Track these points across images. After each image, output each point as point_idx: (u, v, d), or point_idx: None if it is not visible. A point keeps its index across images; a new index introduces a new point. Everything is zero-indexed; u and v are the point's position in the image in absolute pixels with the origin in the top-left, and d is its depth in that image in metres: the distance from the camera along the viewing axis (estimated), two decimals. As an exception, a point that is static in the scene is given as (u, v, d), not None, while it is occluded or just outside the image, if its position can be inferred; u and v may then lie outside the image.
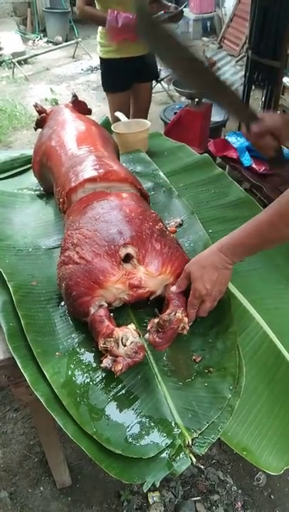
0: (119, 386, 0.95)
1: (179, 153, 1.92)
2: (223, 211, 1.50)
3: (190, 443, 0.86)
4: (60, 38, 6.99)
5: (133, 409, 0.91)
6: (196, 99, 2.65)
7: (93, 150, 1.38)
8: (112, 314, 1.01)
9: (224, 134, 3.46)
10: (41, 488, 1.59)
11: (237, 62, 5.87)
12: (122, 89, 2.72)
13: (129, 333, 0.93)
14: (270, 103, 3.28)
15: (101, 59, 2.69)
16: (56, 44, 6.85)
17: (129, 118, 2.34)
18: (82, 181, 1.22)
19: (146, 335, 0.96)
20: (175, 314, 0.96)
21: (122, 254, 1.02)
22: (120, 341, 0.92)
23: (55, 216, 1.47)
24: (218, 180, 1.66)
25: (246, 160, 2.42)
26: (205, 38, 7.30)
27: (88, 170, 1.25)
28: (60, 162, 1.38)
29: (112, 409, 0.91)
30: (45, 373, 0.93)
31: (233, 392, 0.93)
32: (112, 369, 0.90)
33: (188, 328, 1.00)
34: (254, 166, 2.39)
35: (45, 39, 7.23)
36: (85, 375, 0.96)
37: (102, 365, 0.92)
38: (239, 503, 1.57)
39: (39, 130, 1.71)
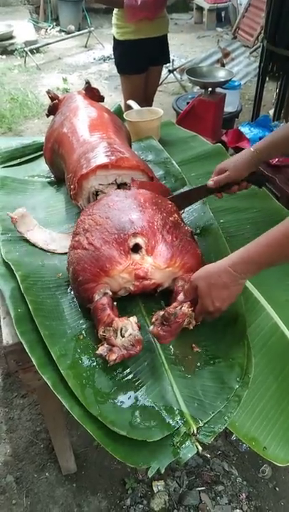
0: (125, 372, 0.95)
1: (191, 142, 1.90)
2: (235, 201, 1.48)
3: (195, 431, 0.86)
4: (72, 27, 6.94)
5: (138, 395, 0.91)
6: (210, 89, 2.62)
7: (105, 137, 1.37)
8: (115, 303, 1.00)
9: (237, 125, 3.43)
10: (47, 474, 1.60)
11: (251, 53, 5.80)
12: (138, 72, 2.74)
13: (129, 325, 0.93)
14: (284, 95, 3.23)
15: (117, 41, 2.70)
16: (69, 33, 6.80)
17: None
18: (93, 168, 1.21)
19: (151, 327, 0.95)
20: (181, 308, 0.94)
21: (130, 243, 1.01)
22: (119, 332, 0.92)
23: (66, 203, 1.46)
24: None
25: (259, 151, 2.38)
26: (219, 29, 7.22)
27: (100, 156, 1.24)
28: (71, 149, 1.37)
29: (117, 394, 0.91)
30: (52, 355, 0.94)
31: (241, 382, 0.92)
32: (107, 357, 0.90)
33: (194, 323, 0.99)
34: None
35: (58, 28, 7.17)
36: (92, 359, 0.96)
37: (97, 352, 0.92)
38: (244, 494, 1.57)
39: (50, 119, 1.70)
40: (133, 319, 0.95)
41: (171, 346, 1.00)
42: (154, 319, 0.95)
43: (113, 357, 0.90)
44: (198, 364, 0.97)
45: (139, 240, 1.02)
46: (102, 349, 0.92)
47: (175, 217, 1.09)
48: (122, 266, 1.00)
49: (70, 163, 1.34)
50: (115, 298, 1.04)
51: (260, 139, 2.45)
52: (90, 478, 1.59)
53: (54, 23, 7.26)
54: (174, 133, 2.02)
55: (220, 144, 1.82)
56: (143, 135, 1.87)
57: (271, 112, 4.32)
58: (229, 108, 3.04)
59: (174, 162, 1.67)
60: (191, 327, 0.99)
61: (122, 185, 1.28)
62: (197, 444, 0.85)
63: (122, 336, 0.92)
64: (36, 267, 1.18)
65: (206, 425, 0.87)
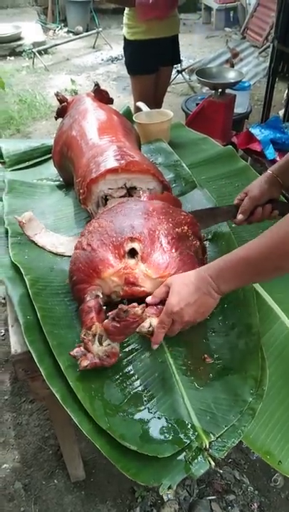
0: (135, 383, 0.92)
1: (202, 145, 1.87)
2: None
3: (207, 446, 0.83)
4: (80, 28, 6.94)
5: (149, 407, 0.89)
6: (220, 90, 2.58)
7: (115, 140, 1.35)
8: (104, 308, 0.98)
9: (246, 127, 3.39)
10: (55, 481, 1.58)
11: (260, 53, 5.75)
12: (149, 72, 2.72)
13: None
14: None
15: (128, 41, 2.69)
16: (77, 34, 6.80)
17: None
18: (103, 172, 1.19)
19: (106, 320, 0.90)
20: (134, 309, 0.87)
21: (126, 247, 0.99)
22: (97, 338, 0.90)
23: (75, 208, 1.44)
24: (242, 173, 1.61)
25: (270, 153, 2.36)
26: (228, 29, 7.17)
27: (110, 160, 1.22)
28: (80, 152, 1.35)
29: (127, 407, 0.88)
30: (60, 365, 0.91)
31: (255, 395, 0.89)
32: (78, 362, 0.88)
33: (158, 341, 0.93)
34: (278, 159, 2.32)
35: (66, 29, 7.18)
36: (101, 369, 0.93)
37: (70, 353, 0.89)
38: (255, 504, 1.54)
39: (59, 120, 1.68)
40: None
41: (182, 356, 0.98)
42: (110, 313, 0.89)
43: (84, 363, 0.87)
44: (211, 375, 0.94)
45: (136, 246, 0.99)
46: (76, 351, 0.89)
47: (184, 229, 1.05)
48: (114, 269, 0.98)
49: (79, 166, 1.32)
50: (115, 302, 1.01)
51: (271, 140, 2.43)
52: (99, 486, 1.57)
53: (62, 24, 7.27)
54: (184, 135, 1.99)
55: (231, 147, 1.79)
56: (153, 137, 1.85)
57: (281, 112, 4.27)
58: (239, 109, 3.00)
59: (184, 165, 1.64)
60: (152, 340, 0.92)
61: (131, 190, 1.26)
62: (210, 459, 0.82)
63: (101, 344, 0.89)
64: (46, 271, 1.17)
65: (218, 439, 0.84)
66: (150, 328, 0.92)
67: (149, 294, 0.99)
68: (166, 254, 0.99)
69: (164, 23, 2.56)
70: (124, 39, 2.73)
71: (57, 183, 1.64)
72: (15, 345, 1.01)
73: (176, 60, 2.94)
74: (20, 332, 0.99)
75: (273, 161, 2.35)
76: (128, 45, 2.71)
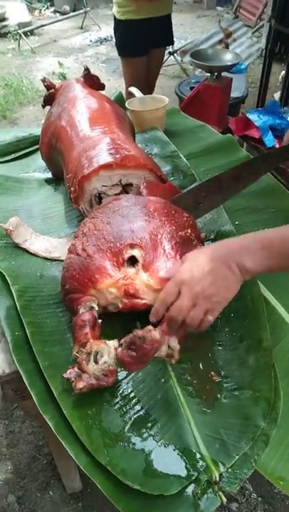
0: (136, 407, 0.83)
1: (200, 133, 1.75)
2: (250, 200, 1.35)
3: (217, 479, 0.75)
4: (67, 8, 6.68)
5: (152, 435, 0.80)
6: (216, 73, 2.45)
7: (108, 131, 1.23)
8: (100, 321, 0.88)
9: (242, 111, 3.27)
10: (50, 493, 1.51)
11: (253, 33, 5.57)
12: (140, 54, 2.60)
13: (105, 350, 0.80)
14: (292, 78, 3.06)
15: (118, 21, 2.55)
16: (64, 14, 6.55)
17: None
18: (96, 168, 1.08)
19: (119, 349, 0.80)
20: (150, 332, 0.77)
21: (126, 255, 0.89)
22: (93, 356, 0.79)
23: (66, 205, 1.33)
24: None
25: (269, 140, 2.24)
26: (219, 8, 6.96)
27: (103, 155, 1.11)
28: (71, 144, 1.24)
29: (128, 435, 0.79)
30: (53, 390, 0.82)
31: (269, 419, 0.81)
32: (73, 385, 0.78)
33: (177, 357, 0.82)
34: (278, 146, 2.21)
35: (52, 9, 6.91)
36: (98, 393, 0.83)
37: (63, 375, 0.79)
38: (259, 511, 1.48)
39: (47, 107, 1.56)
40: (113, 344, 0.81)
41: (186, 374, 0.89)
42: (122, 340, 0.79)
43: (80, 385, 0.78)
44: (218, 396, 0.85)
45: (136, 253, 0.89)
46: (70, 372, 0.80)
47: (187, 232, 0.95)
48: (112, 279, 0.87)
49: (70, 161, 1.20)
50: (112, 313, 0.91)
51: (270, 127, 2.31)
52: (97, 497, 1.50)
53: (48, 4, 6.99)
54: (180, 122, 1.87)
55: (230, 135, 1.68)
56: (147, 125, 1.73)
57: (276, 95, 4.14)
58: (235, 93, 2.87)
59: (181, 156, 1.53)
60: (173, 361, 0.82)
61: (127, 186, 1.15)
62: (220, 494, 0.74)
63: (96, 362, 0.80)
64: (34, 279, 1.06)
65: (229, 470, 0.76)
66: (170, 351, 0.81)
67: (151, 306, 0.90)
68: (169, 262, 0.89)
69: (156, 2, 2.41)
70: (115, 19, 2.59)
71: (46, 176, 1.52)
72: (2, 365, 0.92)
73: (168, 42, 2.81)
74: (8, 349, 0.90)
75: (272, 149, 2.24)
76: (118, 25, 2.57)
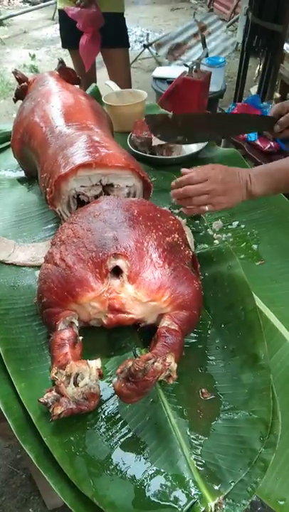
0: (123, 430, 0.76)
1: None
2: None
3: (213, 509, 0.69)
4: (38, -2, 6.50)
5: (141, 461, 0.73)
6: (194, 67, 2.38)
7: (85, 127, 1.15)
8: (81, 338, 0.81)
9: (220, 106, 3.23)
10: (30, 510, 1.43)
11: (228, 26, 5.53)
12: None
13: (86, 372, 0.73)
14: (268, 72, 3.03)
15: (59, 11, 2.42)
16: (34, 4, 6.36)
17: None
18: (74, 168, 1.00)
19: (114, 379, 0.73)
20: (154, 363, 0.71)
21: (109, 265, 0.81)
22: (72, 378, 0.72)
23: (40, 206, 1.25)
24: (228, 160, 1.45)
25: (250, 135, 2.20)
26: (193, 1, 6.89)
27: (81, 153, 1.02)
28: (45, 142, 1.15)
29: (114, 462, 0.72)
30: (31, 416, 0.75)
31: (266, 442, 0.75)
32: (51, 410, 0.71)
33: (175, 377, 0.76)
34: (258, 142, 2.17)
35: (22, -2, 6.71)
36: (81, 415, 0.76)
37: (40, 400, 0.72)
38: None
39: (19, 102, 1.46)
40: (95, 364, 0.74)
41: (176, 391, 0.82)
42: (118, 370, 0.72)
43: (58, 411, 0.70)
44: (211, 417, 0.79)
45: (121, 263, 0.81)
46: (47, 396, 0.72)
47: (174, 237, 0.88)
48: (95, 293, 0.80)
49: (45, 159, 1.12)
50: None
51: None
52: (79, 513, 1.42)
53: (18, -7, 6.78)
54: (159, 118, 1.80)
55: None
56: (125, 121, 1.65)
57: (252, 89, 4.12)
58: (213, 87, 2.80)
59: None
60: (171, 381, 0.76)
61: (108, 187, 1.08)
62: (217, 525, 0.68)
63: (76, 385, 0.73)
64: (7, 290, 0.98)
65: (225, 499, 0.70)
66: (168, 373, 0.74)
67: (139, 320, 0.83)
68: (157, 271, 0.82)
69: None
70: (58, 9, 2.48)
71: (18, 175, 1.43)
72: (-26, 387, 0.83)
73: (121, 42, 2.56)
74: (-20, 370, 0.82)
75: (254, 146, 2.20)
76: (60, 15, 2.45)
